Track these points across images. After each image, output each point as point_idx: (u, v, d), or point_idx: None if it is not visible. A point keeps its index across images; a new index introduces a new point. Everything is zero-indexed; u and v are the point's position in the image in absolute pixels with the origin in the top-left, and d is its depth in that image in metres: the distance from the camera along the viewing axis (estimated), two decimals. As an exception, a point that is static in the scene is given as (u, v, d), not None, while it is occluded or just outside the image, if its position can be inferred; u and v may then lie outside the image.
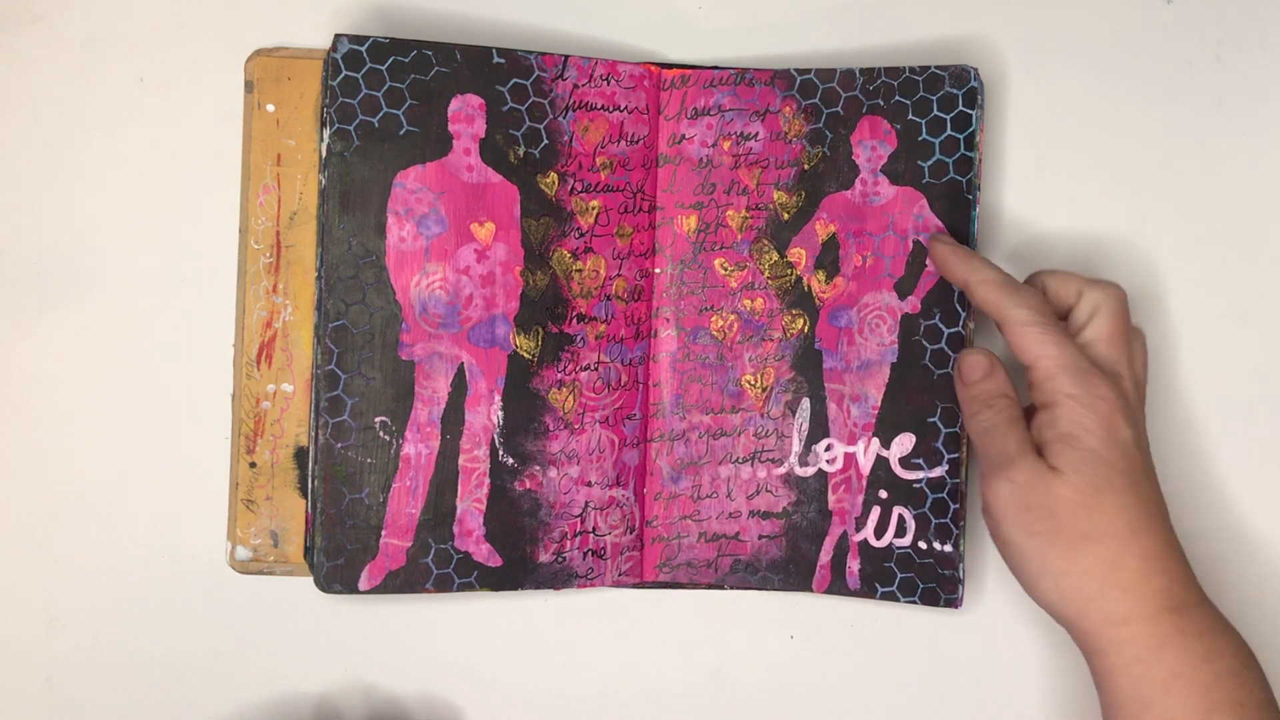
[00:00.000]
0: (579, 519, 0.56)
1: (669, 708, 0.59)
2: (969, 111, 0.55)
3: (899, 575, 0.56)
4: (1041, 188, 0.59)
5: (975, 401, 0.52)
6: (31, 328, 0.57)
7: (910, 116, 0.56)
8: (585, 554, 0.56)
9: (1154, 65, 0.59)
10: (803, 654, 0.59)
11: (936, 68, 0.56)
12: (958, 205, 0.55)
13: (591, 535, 0.56)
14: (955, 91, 0.55)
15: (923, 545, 0.56)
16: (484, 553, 0.55)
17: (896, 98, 0.56)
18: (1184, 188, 0.59)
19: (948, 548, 0.55)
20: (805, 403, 0.57)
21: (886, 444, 0.56)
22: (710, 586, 0.58)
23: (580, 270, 0.56)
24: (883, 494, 0.56)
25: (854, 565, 0.56)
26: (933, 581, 0.56)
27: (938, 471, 0.56)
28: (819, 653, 0.59)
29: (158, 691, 0.57)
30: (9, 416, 0.57)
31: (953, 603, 0.56)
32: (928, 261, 0.56)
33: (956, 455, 0.56)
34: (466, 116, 0.55)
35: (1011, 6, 0.59)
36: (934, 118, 0.56)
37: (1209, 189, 0.59)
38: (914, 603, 0.56)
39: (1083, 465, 0.49)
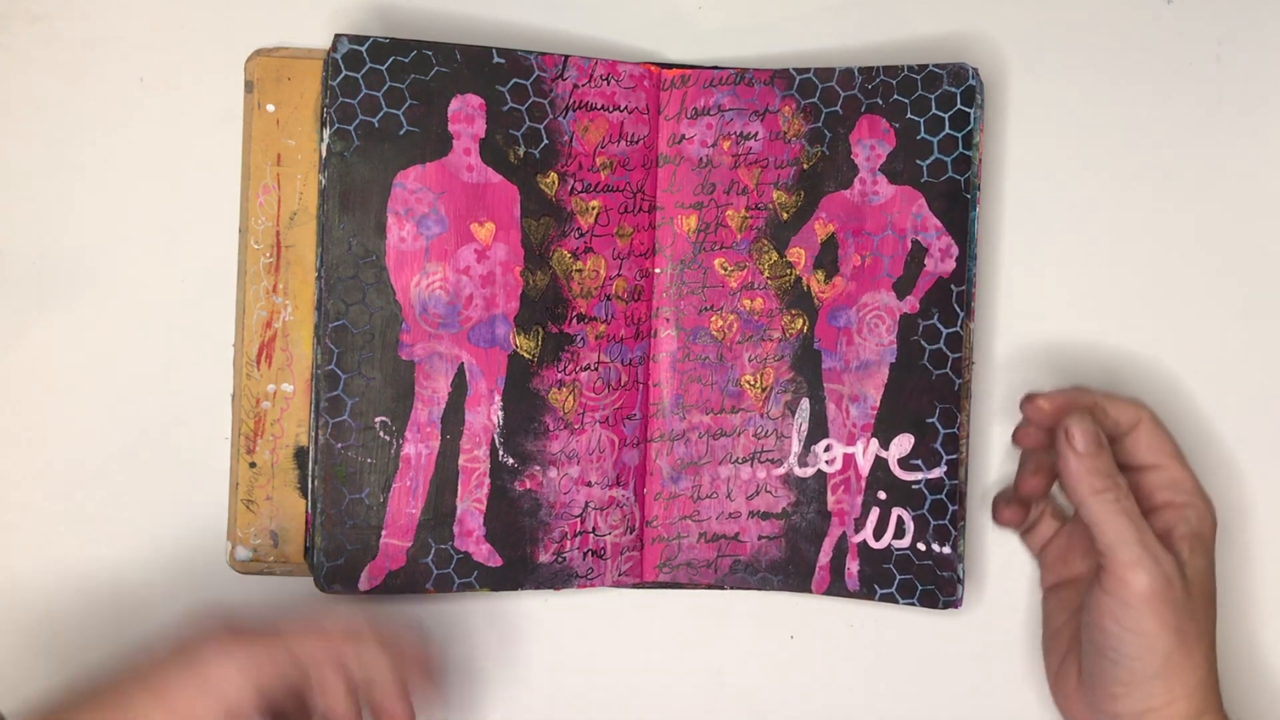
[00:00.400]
0: (579, 519, 0.56)
1: (669, 708, 0.59)
2: (967, 110, 0.55)
3: (898, 577, 0.56)
4: (1041, 188, 0.59)
5: (1098, 475, 0.50)
6: (31, 328, 0.57)
7: (909, 115, 0.56)
8: (585, 554, 0.56)
9: (1154, 65, 0.59)
10: (803, 654, 0.59)
11: (935, 66, 0.55)
12: (956, 204, 0.55)
13: (591, 535, 0.56)
14: (953, 90, 0.55)
15: (921, 547, 0.56)
16: (484, 553, 0.55)
17: (895, 96, 0.56)
18: (1183, 188, 0.59)
19: (946, 549, 0.55)
20: (804, 403, 0.57)
21: (885, 445, 0.56)
22: (710, 587, 0.58)
23: (580, 270, 0.56)
24: (882, 495, 0.56)
25: (853, 566, 0.56)
26: (932, 583, 0.56)
27: (936, 473, 0.56)
28: (819, 653, 0.59)
29: (158, 691, 0.57)
30: (9, 416, 0.57)
31: (952, 604, 0.55)
32: (926, 262, 0.56)
33: (955, 456, 0.55)
34: (466, 116, 0.55)
35: (1011, 6, 0.59)
36: (932, 116, 0.56)
37: (1209, 189, 0.59)
38: (913, 604, 0.56)
39: (1208, 568, 0.51)
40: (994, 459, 0.59)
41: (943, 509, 0.55)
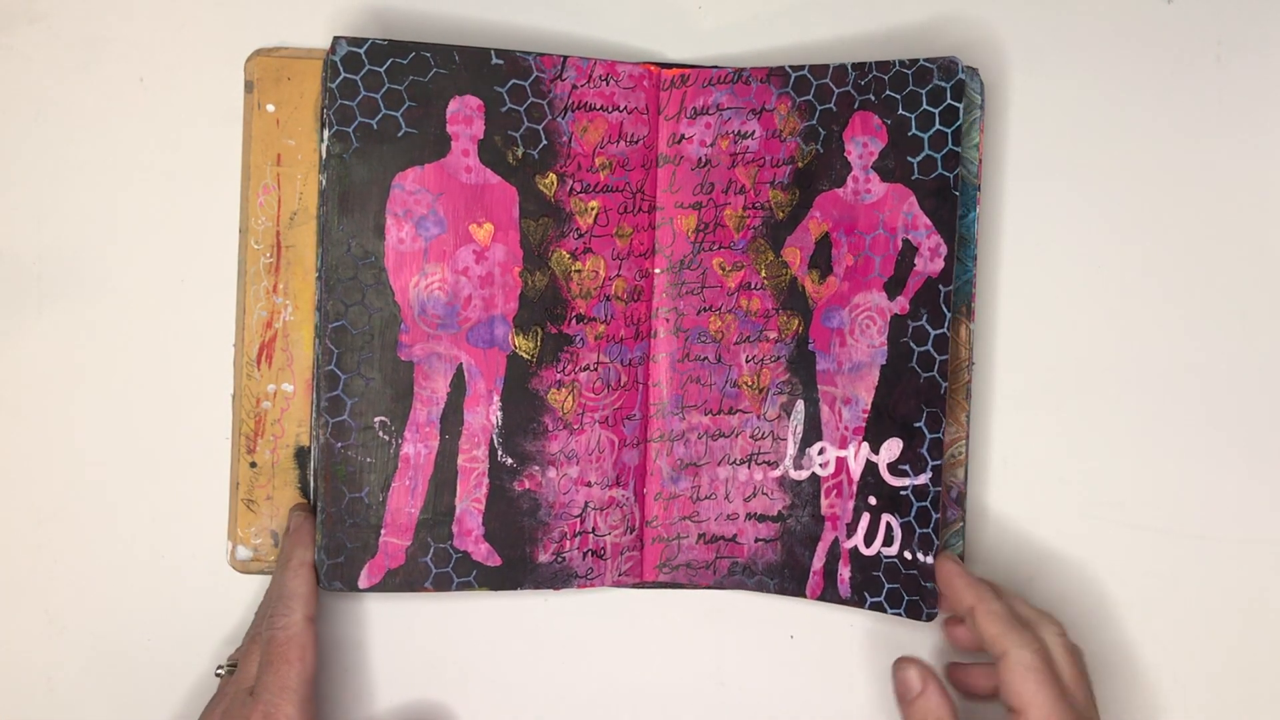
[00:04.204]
0: (579, 519, 0.56)
1: (669, 708, 0.59)
2: (956, 105, 0.55)
3: (886, 585, 0.55)
4: (1041, 188, 0.59)
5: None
6: (31, 328, 0.57)
7: (900, 111, 0.55)
8: (585, 554, 0.56)
9: (1154, 65, 0.59)
10: (803, 654, 0.59)
11: (925, 60, 0.55)
12: (945, 202, 0.55)
13: (591, 535, 0.56)
14: (943, 84, 0.55)
15: (908, 555, 0.55)
16: (483, 552, 0.55)
17: (887, 92, 0.56)
18: (1183, 187, 0.59)
19: (929, 559, 0.54)
20: (800, 405, 0.57)
21: (875, 449, 0.55)
22: (709, 588, 0.58)
23: (579, 271, 0.56)
24: (872, 500, 0.55)
25: (845, 573, 0.56)
26: (915, 594, 0.55)
27: (922, 479, 0.55)
28: (819, 653, 0.59)
29: (158, 691, 0.58)
30: (9, 416, 0.57)
31: (934, 617, 0.54)
32: (916, 261, 0.55)
33: (939, 463, 0.55)
34: (465, 118, 0.55)
35: (1012, 5, 0.59)
36: (923, 112, 0.55)
37: (1209, 188, 0.59)
38: (899, 615, 0.55)
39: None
40: (994, 459, 0.59)
41: (926, 516, 0.55)
